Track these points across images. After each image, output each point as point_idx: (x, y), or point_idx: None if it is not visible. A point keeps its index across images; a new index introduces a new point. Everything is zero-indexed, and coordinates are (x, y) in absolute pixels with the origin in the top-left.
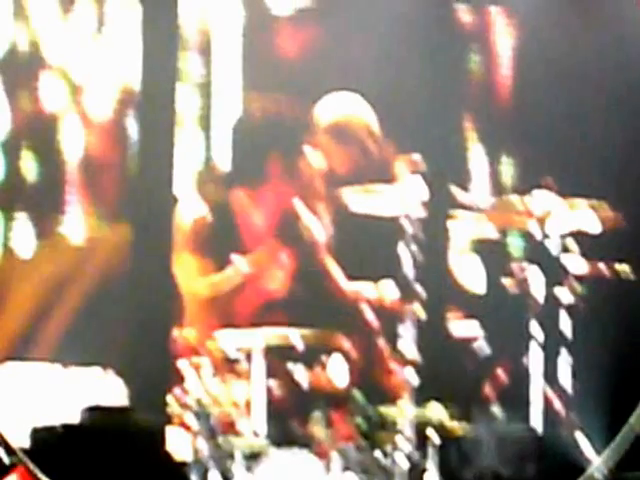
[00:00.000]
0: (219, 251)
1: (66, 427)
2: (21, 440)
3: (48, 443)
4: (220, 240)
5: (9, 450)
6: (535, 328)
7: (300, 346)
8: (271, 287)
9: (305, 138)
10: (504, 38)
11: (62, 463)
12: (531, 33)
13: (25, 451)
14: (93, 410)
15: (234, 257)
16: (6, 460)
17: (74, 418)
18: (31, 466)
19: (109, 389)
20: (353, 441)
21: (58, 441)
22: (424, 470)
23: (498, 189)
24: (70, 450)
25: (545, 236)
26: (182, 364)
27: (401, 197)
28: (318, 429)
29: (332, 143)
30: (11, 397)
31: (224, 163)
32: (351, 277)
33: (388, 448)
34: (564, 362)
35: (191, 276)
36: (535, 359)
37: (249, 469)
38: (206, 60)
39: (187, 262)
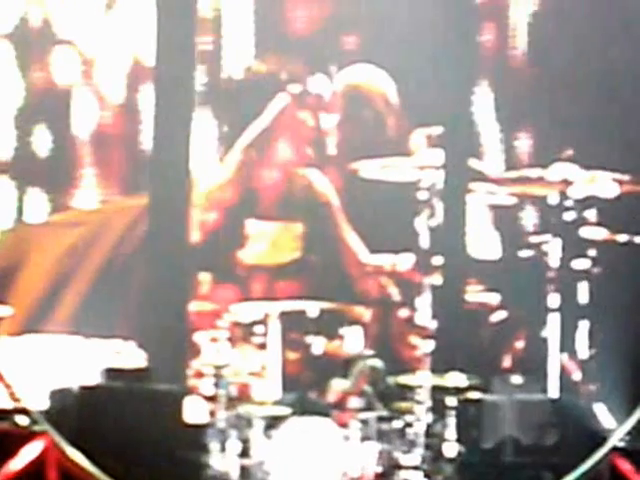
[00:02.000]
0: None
1: (84, 388)
2: (42, 405)
3: (66, 405)
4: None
5: (32, 419)
6: (553, 297)
7: (318, 318)
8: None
9: (321, 103)
10: (521, 8)
11: (80, 424)
12: (548, 2)
13: (44, 412)
14: (112, 371)
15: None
16: (29, 427)
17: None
18: (54, 434)
19: (129, 358)
20: (372, 410)
21: (76, 403)
22: (443, 439)
23: (517, 161)
24: (88, 411)
25: (563, 205)
26: (200, 336)
27: (419, 169)
28: (337, 399)
29: (348, 110)
30: (32, 369)
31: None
32: (370, 250)
33: (407, 417)
34: (583, 331)
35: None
36: (553, 328)
37: (268, 437)
38: (217, 30)
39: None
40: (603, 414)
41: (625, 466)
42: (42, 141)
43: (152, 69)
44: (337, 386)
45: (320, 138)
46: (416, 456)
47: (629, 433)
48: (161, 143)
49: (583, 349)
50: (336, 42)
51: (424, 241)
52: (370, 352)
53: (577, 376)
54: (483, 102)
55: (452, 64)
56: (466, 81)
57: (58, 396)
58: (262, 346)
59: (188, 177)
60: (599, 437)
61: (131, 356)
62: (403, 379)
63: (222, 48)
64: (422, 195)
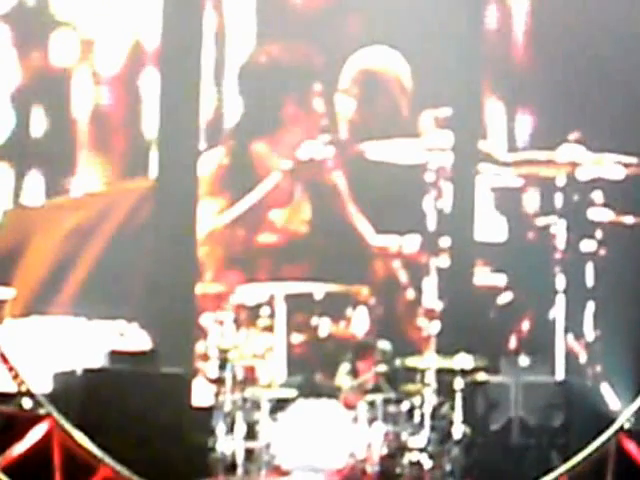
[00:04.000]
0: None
1: (89, 371)
2: (46, 388)
3: (71, 387)
4: (241, 186)
5: (36, 401)
6: (560, 279)
7: (324, 300)
8: (293, 238)
9: (334, 86)
10: None
11: (85, 407)
12: None
13: (48, 395)
14: (117, 354)
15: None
16: (34, 410)
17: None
18: (59, 417)
19: (133, 341)
20: (380, 392)
21: (81, 385)
22: (450, 421)
23: (524, 143)
24: (93, 394)
25: (570, 187)
26: (206, 318)
27: (427, 151)
28: (345, 381)
29: (360, 93)
30: (36, 350)
31: (240, 111)
32: (377, 231)
33: (415, 399)
34: (589, 313)
35: (211, 217)
36: (560, 310)
37: (274, 419)
38: (220, 13)
39: (208, 206)
40: (609, 395)
41: (631, 447)
42: (41, 123)
43: (155, 50)
44: (340, 371)
45: (332, 123)
46: (423, 438)
47: (636, 414)
48: (167, 124)
49: (589, 331)
50: (346, 25)
51: (431, 223)
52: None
53: (583, 358)
54: (490, 84)
55: (460, 46)
56: (474, 63)
57: (62, 378)
58: (268, 328)
59: (195, 159)
60: (605, 418)
61: (136, 338)
62: (410, 361)
63: (227, 30)
64: (430, 177)
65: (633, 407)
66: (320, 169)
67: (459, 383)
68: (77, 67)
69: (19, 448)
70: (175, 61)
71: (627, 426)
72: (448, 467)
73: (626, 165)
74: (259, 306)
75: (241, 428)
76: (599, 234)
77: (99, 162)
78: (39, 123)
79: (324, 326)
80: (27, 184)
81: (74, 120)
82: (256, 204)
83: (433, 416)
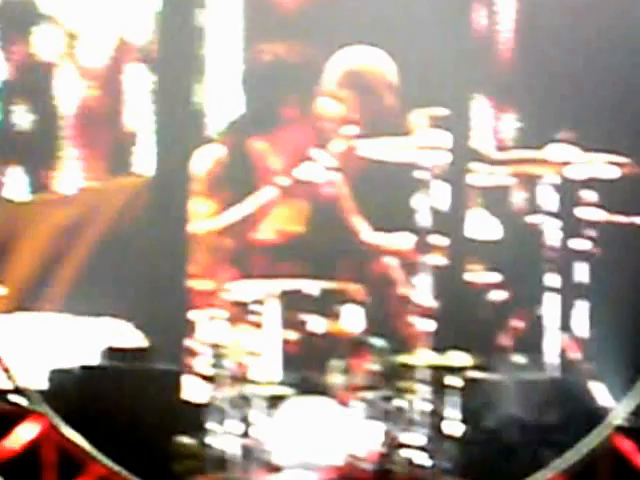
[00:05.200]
0: (235, 196)
1: (81, 368)
2: (38, 385)
3: (64, 385)
4: (236, 186)
5: (28, 398)
6: (553, 277)
7: (319, 297)
8: (286, 235)
9: (320, 86)
10: None
11: (78, 405)
12: None
13: (41, 393)
14: (109, 351)
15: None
16: (26, 408)
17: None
18: (51, 414)
19: (126, 338)
20: (373, 389)
21: (74, 383)
22: (445, 418)
23: (517, 141)
24: (86, 392)
25: (563, 186)
26: (198, 315)
27: (419, 149)
28: (336, 378)
29: (348, 92)
30: (27, 347)
31: (238, 109)
32: (372, 228)
33: (409, 396)
34: (583, 311)
35: (204, 219)
36: (552, 308)
37: (269, 417)
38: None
39: (201, 206)
40: (603, 393)
41: (625, 444)
42: (26, 118)
43: (144, 44)
44: (332, 369)
45: (319, 118)
46: (417, 435)
47: (629, 412)
48: (158, 120)
49: (583, 329)
50: (331, 21)
51: (424, 221)
52: (368, 332)
53: (577, 355)
54: (481, 82)
55: (449, 44)
56: (463, 60)
57: (54, 376)
58: (261, 325)
59: (188, 156)
60: (599, 416)
61: (128, 335)
62: (405, 358)
63: (218, 26)
64: (422, 175)
65: (627, 404)
66: (319, 186)
67: (453, 381)
68: (63, 61)
69: (10, 446)
70: (166, 55)
71: (621, 424)
72: (442, 465)
73: (619, 165)
74: (252, 303)
75: (235, 425)
76: (591, 233)
77: (87, 157)
78: (24, 117)
79: (318, 323)
80: (13, 179)
81: (61, 115)
82: (251, 213)
83: (427, 414)
